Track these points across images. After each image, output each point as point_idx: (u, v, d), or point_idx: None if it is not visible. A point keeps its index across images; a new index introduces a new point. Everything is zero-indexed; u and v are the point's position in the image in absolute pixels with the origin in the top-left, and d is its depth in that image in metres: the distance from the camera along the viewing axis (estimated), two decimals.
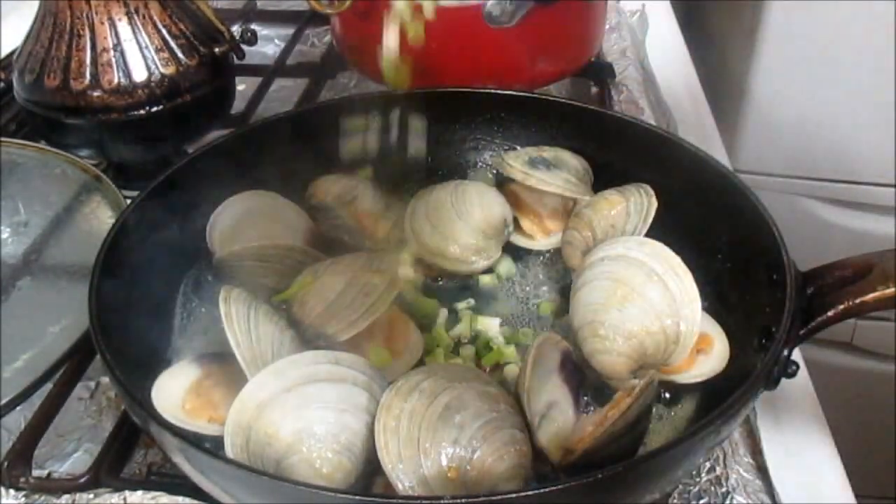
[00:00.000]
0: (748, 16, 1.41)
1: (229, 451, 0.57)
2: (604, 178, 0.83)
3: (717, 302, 0.70)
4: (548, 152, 0.84)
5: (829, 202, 1.49)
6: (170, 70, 0.86)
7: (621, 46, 1.20)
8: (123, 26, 0.85)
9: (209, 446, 0.55)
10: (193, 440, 0.54)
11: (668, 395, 0.67)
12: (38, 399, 0.68)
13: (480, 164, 0.89)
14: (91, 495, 0.61)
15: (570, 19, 0.99)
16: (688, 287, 0.66)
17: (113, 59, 0.85)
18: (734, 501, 0.62)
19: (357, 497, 0.50)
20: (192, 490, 0.59)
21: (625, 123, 0.83)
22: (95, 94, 0.85)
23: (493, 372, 0.70)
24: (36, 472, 0.64)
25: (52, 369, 0.68)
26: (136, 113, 0.86)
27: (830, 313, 0.61)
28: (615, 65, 1.12)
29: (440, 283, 0.79)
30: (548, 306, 0.76)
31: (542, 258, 0.82)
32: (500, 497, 0.49)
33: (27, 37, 0.88)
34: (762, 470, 0.65)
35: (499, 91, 0.87)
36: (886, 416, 1.52)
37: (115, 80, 0.85)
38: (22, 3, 1.09)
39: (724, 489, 0.63)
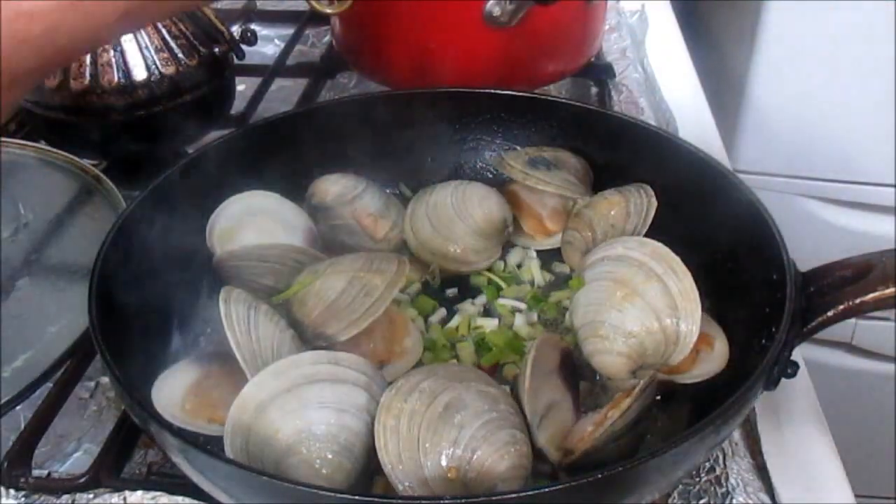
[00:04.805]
0: (748, 16, 1.41)
1: (229, 452, 0.57)
2: (604, 178, 0.83)
3: (717, 302, 0.70)
4: (548, 152, 0.84)
5: (829, 202, 1.49)
6: (170, 70, 0.86)
7: (621, 46, 1.20)
8: None
9: (209, 446, 0.55)
10: (193, 440, 0.54)
11: (667, 396, 0.67)
12: (38, 399, 0.68)
13: (480, 164, 0.89)
14: (91, 495, 0.61)
15: (569, 19, 0.99)
16: (688, 287, 0.66)
17: (113, 59, 0.85)
18: (734, 501, 0.62)
19: (357, 497, 0.49)
20: (192, 490, 0.59)
21: (625, 123, 0.83)
22: (95, 94, 0.85)
23: (493, 372, 0.70)
24: (36, 472, 0.64)
25: (51, 369, 0.68)
26: (136, 113, 0.86)
27: (830, 313, 0.61)
28: (615, 65, 1.12)
29: (440, 283, 0.79)
30: (548, 306, 0.76)
31: (542, 258, 0.82)
32: (500, 497, 0.49)
33: None
34: (762, 470, 0.65)
35: (499, 91, 0.87)
36: (886, 416, 1.52)
37: (115, 80, 0.85)
38: None
39: (724, 489, 0.63)
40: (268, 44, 1.25)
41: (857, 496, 0.65)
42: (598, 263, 0.71)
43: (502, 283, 0.78)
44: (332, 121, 0.84)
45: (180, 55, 0.87)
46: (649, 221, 0.76)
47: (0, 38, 0.44)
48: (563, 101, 0.92)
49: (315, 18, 1.26)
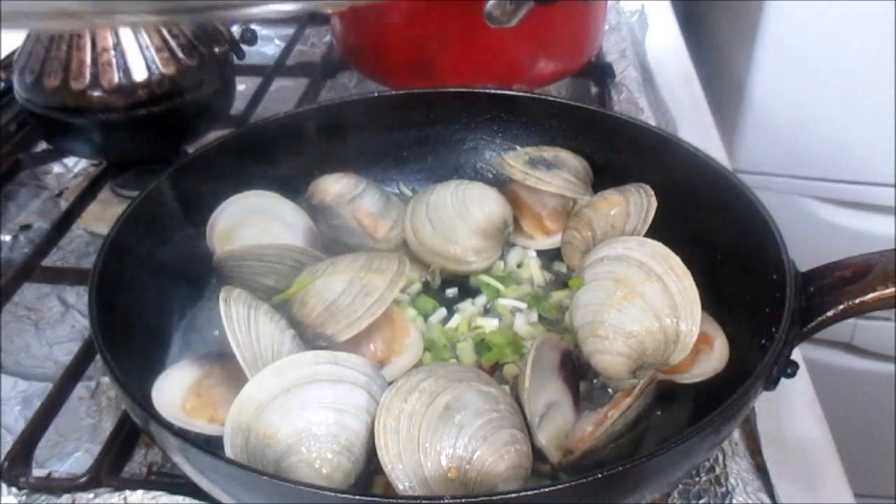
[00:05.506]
0: (748, 16, 1.41)
1: (229, 452, 0.57)
2: (604, 178, 0.83)
3: (717, 302, 0.70)
4: (548, 152, 0.84)
5: (829, 202, 1.49)
6: (170, 70, 0.86)
7: (621, 46, 1.20)
8: None
9: (209, 446, 0.55)
10: (193, 440, 0.54)
11: (667, 396, 0.67)
12: (38, 399, 0.68)
13: (480, 164, 0.89)
14: (91, 495, 0.61)
15: (570, 19, 0.99)
16: (687, 287, 0.66)
17: (113, 59, 0.85)
18: (734, 501, 0.62)
19: (357, 497, 0.50)
20: (192, 490, 0.59)
21: (625, 123, 0.83)
22: (95, 94, 0.85)
23: (493, 372, 0.70)
24: (36, 472, 0.64)
25: None
26: (136, 113, 0.86)
27: (830, 313, 0.61)
28: (615, 65, 1.12)
29: (440, 282, 0.79)
30: (548, 306, 0.76)
31: (542, 258, 0.82)
32: (500, 497, 0.49)
33: (27, 37, 0.88)
34: (762, 470, 0.65)
35: (499, 91, 0.87)
36: (886, 416, 1.52)
37: (115, 80, 0.85)
38: None
39: (724, 489, 0.63)
40: (268, 44, 1.26)
41: (857, 496, 0.65)
42: (598, 263, 0.71)
43: (502, 284, 0.78)
44: (332, 121, 0.84)
45: (180, 55, 0.87)
46: (649, 221, 0.76)
47: None
48: (563, 101, 0.92)
49: (315, 18, 1.26)
